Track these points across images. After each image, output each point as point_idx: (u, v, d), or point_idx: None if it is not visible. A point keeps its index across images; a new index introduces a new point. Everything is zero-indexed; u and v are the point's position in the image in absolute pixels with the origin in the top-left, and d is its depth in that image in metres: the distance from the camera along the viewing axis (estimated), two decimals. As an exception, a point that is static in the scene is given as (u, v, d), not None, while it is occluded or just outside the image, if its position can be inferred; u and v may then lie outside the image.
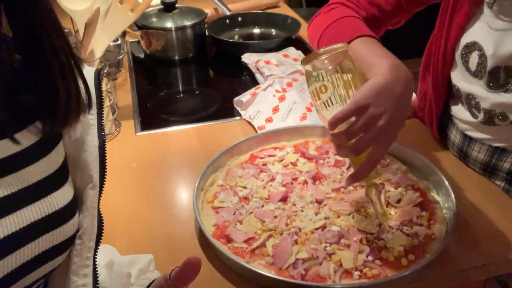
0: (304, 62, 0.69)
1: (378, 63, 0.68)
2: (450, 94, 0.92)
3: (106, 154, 0.57)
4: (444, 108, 0.94)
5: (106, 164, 0.57)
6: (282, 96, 1.09)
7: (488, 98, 0.80)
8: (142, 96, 1.23)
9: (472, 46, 0.81)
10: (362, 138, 0.66)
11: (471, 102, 0.85)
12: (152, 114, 1.16)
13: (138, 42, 1.51)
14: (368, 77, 0.68)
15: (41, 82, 0.49)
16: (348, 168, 0.89)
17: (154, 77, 1.42)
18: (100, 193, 0.57)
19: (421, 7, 0.94)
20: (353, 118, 0.66)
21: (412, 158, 0.89)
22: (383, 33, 0.97)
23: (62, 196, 0.51)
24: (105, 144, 0.57)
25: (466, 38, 0.82)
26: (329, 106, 0.68)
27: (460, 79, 0.86)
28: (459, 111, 0.90)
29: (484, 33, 0.79)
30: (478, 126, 0.86)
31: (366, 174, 0.69)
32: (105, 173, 0.57)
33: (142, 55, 1.48)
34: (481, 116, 0.83)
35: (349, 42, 0.76)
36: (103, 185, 0.57)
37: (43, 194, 0.49)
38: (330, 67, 0.67)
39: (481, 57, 0.79)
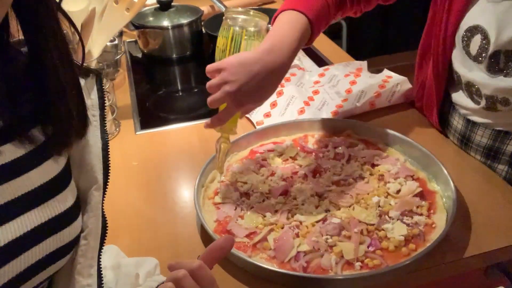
0: (227, 11, 0.79)
1: (264, 40, 0.76)
2: (451, 81, 0.92)
3: (109, 155, 0.57)
4: (445, 95, 0.95)
5: (109, 165, 0.57)
6: (279, 91, 1.09)
7: (489, 84, 0.80)
8: (141, 95, 1.23)
9: (475, 30, 0.81)
10: (215, 94, 0.75)
11: (471, 89, 0.85)
12: (151, 113, 1.16)
13: (136, 41, 1.51)
14: None
15: (44, 84, 0.49)
16: (347, 161, 0.89)
17: (152, 76, 1.42)
18: (104, 193, 0.57)
19: None
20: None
21: (411, 148, 0.89)
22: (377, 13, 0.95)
23: (65, 199, 0.51)
24: (108, 145, 0.57)
25: (468, 21, 0.82)
26: (219, 56, 0.78)
27: (459, 64, 0.87)
28: (459, 97, 0.91)
29: (486, 15, 0.79)
30: (480, 112, 0.86)
31: (217, 123, 0.78)
32: (109, 174, 0.58)
33: (139, 55, 1.48)
34: (483, 102, 0.83)
35: (282, 11, 0.81)
36: (107, 186, 0.58)
37: (46, 198, 0.49)
38: (237, 27, 0.77)
39: (484, 41, 0.79)
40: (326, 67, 1.23)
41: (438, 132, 0.99)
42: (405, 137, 0.91)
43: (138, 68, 1.40)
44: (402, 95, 1.10)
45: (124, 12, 0.93)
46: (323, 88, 1.12)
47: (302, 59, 1.30)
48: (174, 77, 1.43)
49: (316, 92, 1.11)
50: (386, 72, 1.17)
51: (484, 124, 0.87)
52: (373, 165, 0.88)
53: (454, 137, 0.95)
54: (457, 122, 0.93)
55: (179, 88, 1.37)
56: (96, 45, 0.93)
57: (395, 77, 1.13)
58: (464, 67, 0.85)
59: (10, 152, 0.47)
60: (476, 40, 0.80)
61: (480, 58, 0.80)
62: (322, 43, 1.46)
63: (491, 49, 0.78)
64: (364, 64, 1.21)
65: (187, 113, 1.18)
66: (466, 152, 0.92)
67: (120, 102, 1.15)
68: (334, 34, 1.30)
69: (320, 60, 1.34)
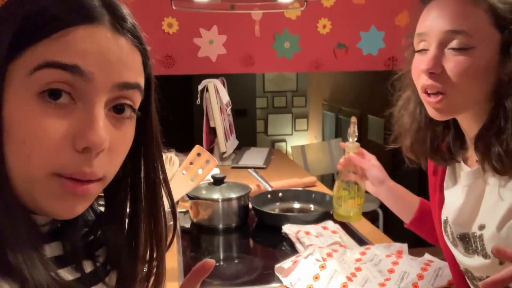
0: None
1: None
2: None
3: None
4: None
5: None
6: (322, 265, 1.13)
7: (472, 265, 0.91)
8: (187, 261, 1.29)
9: (446, 221, 0.99)
10: None
11: (468, 275, 0.94)
12: (196, 278, 1.20)
13: (185, 212, 1.63)
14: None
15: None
16: None
17: (198, 243, 1.49)
18: None
19: None
20: None
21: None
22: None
23: None
24: None
25: (443, 216, 1.02)
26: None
27: (456, 254, 0.98)
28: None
29: (448, 207, 0.98)
30: None
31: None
32: None
33: (188, 225, 1.58)
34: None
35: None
36: None
37: None
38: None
39: (451, 227, 0.96)
40: (367, 246, 1.27)
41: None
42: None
43: (186, 235, 1.49)
44: (444, 279, 1.10)
45: (189, 181, 1.06)
46: (365, 265, 1.15)
47: (343, 237, 1.35)
48: (218, 245, 1.49)
49: (358, 269, 1.13)
50: (427, 256, 1.20)
51: None
52: None
53: None
54: None
55: (222, 256, 1.42)
56: (159, 208, 1.04)
57: (437, 261, 1.16)
58: (457, 255, 0.97)
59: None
60: (449, 228, 0.97)
61: (455, 242, 0.95)
62: (362, 225, 1.53)
63: (454, 231, 0.94)
64: (404, 246, 1.25)
65: (230, 280, 1.20)
66: None
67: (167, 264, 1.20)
68: (370, 220, 1.40)
69: (360, 240, 1.39)
